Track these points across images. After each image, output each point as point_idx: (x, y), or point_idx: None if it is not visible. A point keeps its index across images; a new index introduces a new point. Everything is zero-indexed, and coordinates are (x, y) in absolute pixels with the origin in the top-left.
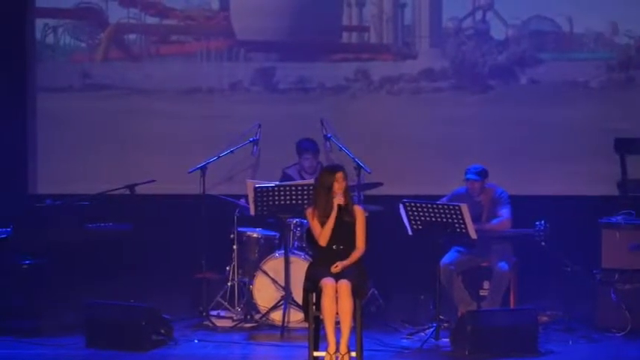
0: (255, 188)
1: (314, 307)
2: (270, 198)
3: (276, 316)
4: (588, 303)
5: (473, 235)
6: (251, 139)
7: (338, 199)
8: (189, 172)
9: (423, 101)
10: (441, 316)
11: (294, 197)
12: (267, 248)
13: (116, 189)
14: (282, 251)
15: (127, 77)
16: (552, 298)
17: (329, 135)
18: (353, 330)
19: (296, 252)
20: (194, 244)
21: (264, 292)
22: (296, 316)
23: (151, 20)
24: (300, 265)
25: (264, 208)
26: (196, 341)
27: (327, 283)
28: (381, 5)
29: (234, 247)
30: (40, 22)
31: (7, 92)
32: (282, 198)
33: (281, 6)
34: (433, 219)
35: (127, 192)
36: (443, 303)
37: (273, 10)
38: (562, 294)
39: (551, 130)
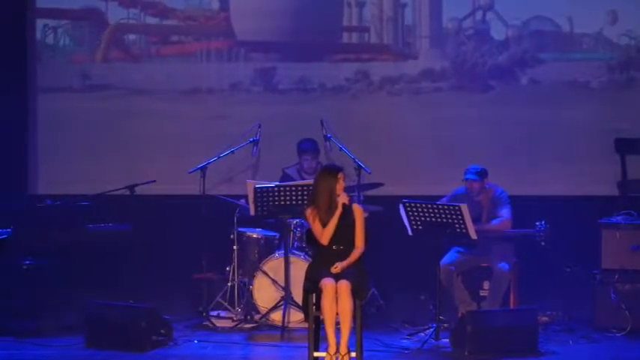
0: (255, 188)
1: (314, 307)
2: (270, 198)
3: (276, 317)
4: (588, 303)
5: (473, 235)
6: (251, 139)
7: (342, 198)
8: (190, 173)
9: (423, 102)
10: (441, 317)
11: (294, 198)
12: (267, 248)
13: (116, 189)
14: (282, 251)
15: (127, 78)
16: (552, 299)
17: (329, 135)
18: (353, 330)
19: (296, 252)
20: (194, 244)
21: (264, 293)
22: (296, 317)
23: (151, 20)
24: (300, 266)
25: (264, 209)
26: (196, 342)
27: (327, 283)
28: (381, 5)
29: (234, 247)
30: (40, 23)
31: (7, 93)
32: (282, 198)
33: (281, 6)
34: (433, 219)
35: (128, 192)
36: (443, 303)
37: (274, 11)
38: (562, 294)
39: (551, 131)
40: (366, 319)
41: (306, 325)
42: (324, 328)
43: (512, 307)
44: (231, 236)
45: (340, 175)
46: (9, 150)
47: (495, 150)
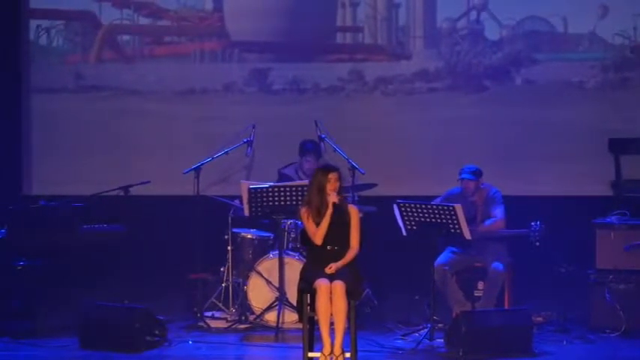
0: (250, 189)
1: (308, 307)
2: (265, 199)
3: (271, 317)
4: (583, 303)
5: (467, 235)
6: (245, 139)
7: (333, 198)
8: (184, 173)
9: (417, 102)
10: (435, 317)
11: (288, 198)
12: (262, 249)
13: (111, 190)
14: (277, 252)
15: (120, 78)
16: (547, 299)
17: (323, 136)
18: (347, 331)
19: (290, 253)
20: (188, 245)
21: (259, 293)
22: (290, 317)
23: (144, 21)
24: (294, 266)
25: (259, 209)
26: (190, 342)
27: (322, 283)
28: (375, 6)
29: (229, 248)
30: (33, 24)
31: (0, 93)
32: (277, 199)
33: (275, 6)
34: (427, 219)
35: (122, 193)
36: (437, 303)
37: (268, 11)
38: (556, 294)
39: (545, 131)
40: (360, 319)
41: (300, 325)
42: (318, 329)
43: (506, 307)
44: (226, 237)
45: (332, 175)
46: (3, 151)
47: (489, 150)
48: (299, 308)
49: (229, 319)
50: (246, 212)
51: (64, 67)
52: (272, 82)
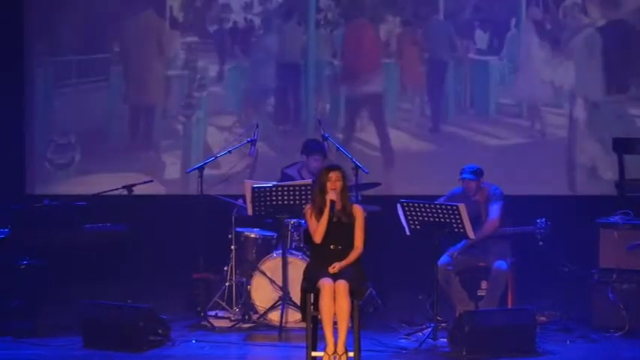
0: (253, 188)
1: (312, 307)
2: (268, 198)
3: (274, 317)
4: (586, 303)
5: (471, 235)
6: (249, 139)
7: (330, 195)
8: (187, 172)
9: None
10: (438, 317)
11: (291, 197)
12: (265, 248)
13: (114, 189)
14: (280, 251)
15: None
16: (550, 298)
17: (326, 135)
18: (350, 330)
19: (294, 252)
20: (192, 244)
21: (262, 293)
22: (294, 317)
23: None
24: (297, 266)
25: (262, 209)
26: (194, 342)
27: (325, 283)
28: None
29: (232, 247)
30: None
31: (5, 92)
32: (280, 198)
33: None
34: (431, 219)
35: (125, 192)
36: (441, 303)
37: None
38: (560, 294)
39: (549, 130)
40: (363, 318)
41: (303, 324)
42: (321, 328)
43: (509, 306)
44: (229, 236)
45: (332, 174)
46: (7, 150)
47: (493, 149)
48: (302, 307)
49: (233, 318)
50: (250, 211)
51: (69, 64)
52: None
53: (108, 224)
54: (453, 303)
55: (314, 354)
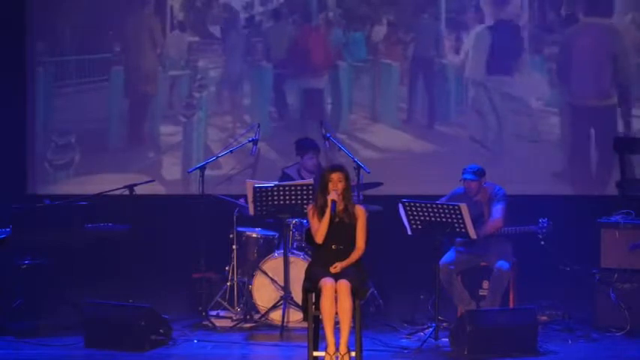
0: (255, 188)
1: (313, 306)
2: (270, 198)
3: (276, 316)
4: (587, 303)
5: (472, 234)
6: (250, 138)
7: (331, 195)
8: (189, 172)
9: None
10: (440, 316)
11: (293, 197)
12: (267, 248)
13: (115, 189)
14: (282, 251)
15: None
16: (552, 298)
17: (328, 135)
18: (352, 330)
19: (295, 252)
20: (193, 244)
21: (264, 292)
22: (295, 316)
23: None
24: (299, 265)
25: (264, 208)
26: (195, 341)
27: (327, 283)
28: None
29: (234, 247)
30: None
31: (6, 92)
32: (282, 198)
33: None
34: (432, 219)
35: (127, 192)
36: (442, 303)
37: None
38: (561, 294)
39: (551, 129)
40: (365, 318)
41: (305, 324)
42: (323, 328)
43: (511, 306)
44: (231, 236)
45: (334, 175)
46: (8, 150)
47: (494, 149)
48: (304, 307)
49: (234, 318)
50: (251, 211)
51: (70, 63)
52: None
53: (109, 224)
54: (455, 303)
55: (315, 354)
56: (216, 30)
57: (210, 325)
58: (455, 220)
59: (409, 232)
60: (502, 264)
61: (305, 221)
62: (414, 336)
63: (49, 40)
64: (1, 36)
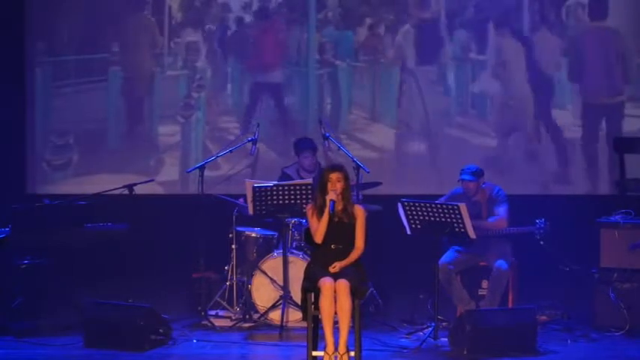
0: (254, 188)
1: (312, 306)
2: (269, 198)
3: (275, 316)
4: (587, 302)
5: (472, 234)
6: (250, 138)
7: (330, 195)
8: (188, 172)
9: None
10: (439, 316)
11: (292, 197)
12: (266, 248)
13: (115, 189)
14: (281, 251)
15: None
16: (551, 298)
17: (327, 134)
18: (351, 329)
19: (294, 251)
20: (192, 243)
21: (263, 292)
22: (295, 316)
23: None
24: (298, 265)
25: (263, 208)
26: (195, 341)
27: (326, 282)
28: None
29: (233, 246)
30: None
31: (5, 92)
32: (281, 198)
33: None
34: (432, 218)
35: (126, 192)
36: (441, 302)
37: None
38: (561, 293)
39: (550, 129)
40: (364, 318)
41: (304, 324)
42: (322, 328)
43: (510, 306)
44: (230, 235)
45: (333, 175)
46: (7, 149)
47: (494, 149)
48: (303, 307)
49: (233, 317)
50: (251, 211)
51: (70, 63)
52: None
53: (109, 224)
54: (454, 302)
55: (314, 353)
56: (214, 30)
57: (209, 324)
58: (454, 220)
59: (408, 232)
60: (501, 264)
61: (304, 221)
62: (413, 336)
63: (48, 40)
64: (1, 36)
